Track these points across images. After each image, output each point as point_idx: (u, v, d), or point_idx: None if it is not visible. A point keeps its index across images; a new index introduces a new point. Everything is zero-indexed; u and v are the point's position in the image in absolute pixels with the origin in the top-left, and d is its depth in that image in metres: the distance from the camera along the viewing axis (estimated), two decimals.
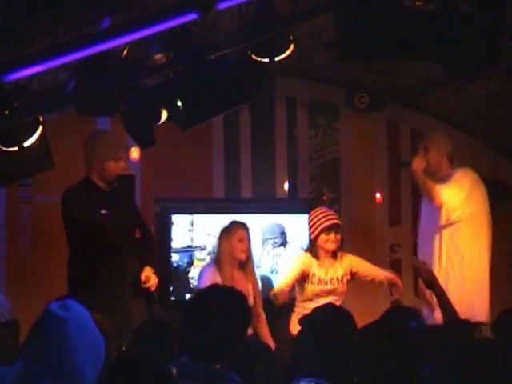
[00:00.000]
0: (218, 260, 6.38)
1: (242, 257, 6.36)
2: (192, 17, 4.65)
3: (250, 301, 6.31)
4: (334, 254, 6.44)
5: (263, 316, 6.50)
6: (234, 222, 6.49)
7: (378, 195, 8.13)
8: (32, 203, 7.51)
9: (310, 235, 6.51)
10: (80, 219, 5.76)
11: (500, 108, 7.42)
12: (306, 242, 7.80)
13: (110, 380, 2.71)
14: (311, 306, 6.16)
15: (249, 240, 6.39)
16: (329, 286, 6.41)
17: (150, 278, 5.84)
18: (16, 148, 5.05)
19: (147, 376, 2.72)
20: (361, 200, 8.01)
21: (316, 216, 6.45)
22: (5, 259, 7.44)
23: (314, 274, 6.43)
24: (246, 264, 6.40)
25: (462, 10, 4.70)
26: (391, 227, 8.11)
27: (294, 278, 6.45)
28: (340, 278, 6.45)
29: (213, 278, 6.25)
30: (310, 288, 6.44)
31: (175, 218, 7.37)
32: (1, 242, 7.47)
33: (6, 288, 7.03)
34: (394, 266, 7.95)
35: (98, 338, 2.69)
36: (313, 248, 6.46)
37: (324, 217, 6.41)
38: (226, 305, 3.35)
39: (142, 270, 5.87)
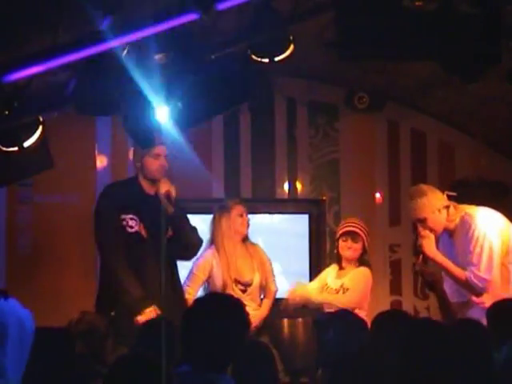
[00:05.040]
0: (216, 240, 6.36)
1: (244, 231, 6.39)
2: (192, 17, 4.65)
3: (257, 278, 6.39)
4: (358, 263, 6.48)
5: (272, 292, 6.54)
6: (229, 200, 6.51)
7: (377, 195, 8.13)
8: (32, 203, 7.50)
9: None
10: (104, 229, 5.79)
11: (500, 108, 7.42)
12: (306, 243, 7.84)
13: (110, 381, 2.71)
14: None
15: (247, 214, 6.41)
16: (331, 296, 6.41)
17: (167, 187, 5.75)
18: (16, 148, 5.05)
19: (146, 377, 2.72)
20: (361, 200, 8.01)
21: (340, 224, 6.64)
22: (5, 259, 7.44)
23: (326, 285, 6.50)
24: (246, 240, 6.43)
25: (461, 10, 4.70)
26: (391, 227, 8.11)
27: (312, 287, 6.56)
28: (346, 288, 6.42)
29: (208, 261, 6.31)
30: (321, 297, 6.47)
31: None
32: (1, 241, 7.47)
33: (6, 288, 7.01)
34: (394, 266, 7.97)
35: (16, 330, 2.74)
36: (337, 256, 6.55)
37: (344, 224, 6.55)
38: (224, 314, 3.34)
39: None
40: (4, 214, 7.47)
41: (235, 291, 6.27)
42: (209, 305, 3.43)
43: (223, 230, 6.34)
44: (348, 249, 6.44)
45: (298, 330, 7.53)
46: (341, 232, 6.47)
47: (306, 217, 7.93)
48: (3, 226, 7.47)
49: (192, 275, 6.36)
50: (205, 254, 6.38)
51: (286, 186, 8.01)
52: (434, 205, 5.51)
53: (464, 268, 5.43)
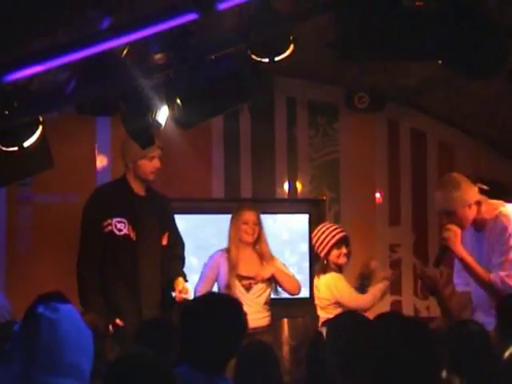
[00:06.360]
0: (228, 241, 6.43)
1: (248, 239, 6.37)
2: (192, 17, 4.65)
3: (264, 273, 6.37)
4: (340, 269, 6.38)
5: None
6: (241, 205, 6.52)
7: (377, 195, 8.13)
8: (32, 203, 7.50)
9: (318, 253, 6.34)
10: (90, 233, 5.86)
11: (500, 108, 7.43)
12: (305, 243, 7.84)
13: (111, 381, 2.72)
14: None
15: (256, 222, 6.38)
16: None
17: (187, 288, 5.81)
18: (16, 148, 5.04)
19: (148, 376, 2.72)
20: (361, 200, 8.01)
21: (323, 233, 6.32)
22: (5, 259, 7.44)
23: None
24: (257, 245, 6.41)
25: (461, 10, 4.70)
26: (391, 227, 8.12)
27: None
28: None
29: (216, 260, 6.35)
30: None
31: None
32: (1, 241, 7.47)
33: (6, 288, 7.03)
34: (394, 266, 7.96)
35: (87, 332, 2.76)
36: (323, 266, 6.32)
37: (331, 232, 6.32)
38: (221, 313, 3.35)
39: (175, 279, 5.84)
40: (4, 214, 7.47)
41: (238, 289, 6.27)
42: (207, 304, 3.43)
43: (230, 237, 6.38)
44: (344, 255, 6.29)
45: (299, 329, 7.54)
46: (336, 239, 6.26)
47: (306, 217, 7.93)
48: (3, 226, 7.46)
49: (202, 276, 6.39)
50: (214, 255, 6.45)
51: (286, 186, 8.01)
52: (467, 199, 5.13)
53: (487, 268, 5.13)
